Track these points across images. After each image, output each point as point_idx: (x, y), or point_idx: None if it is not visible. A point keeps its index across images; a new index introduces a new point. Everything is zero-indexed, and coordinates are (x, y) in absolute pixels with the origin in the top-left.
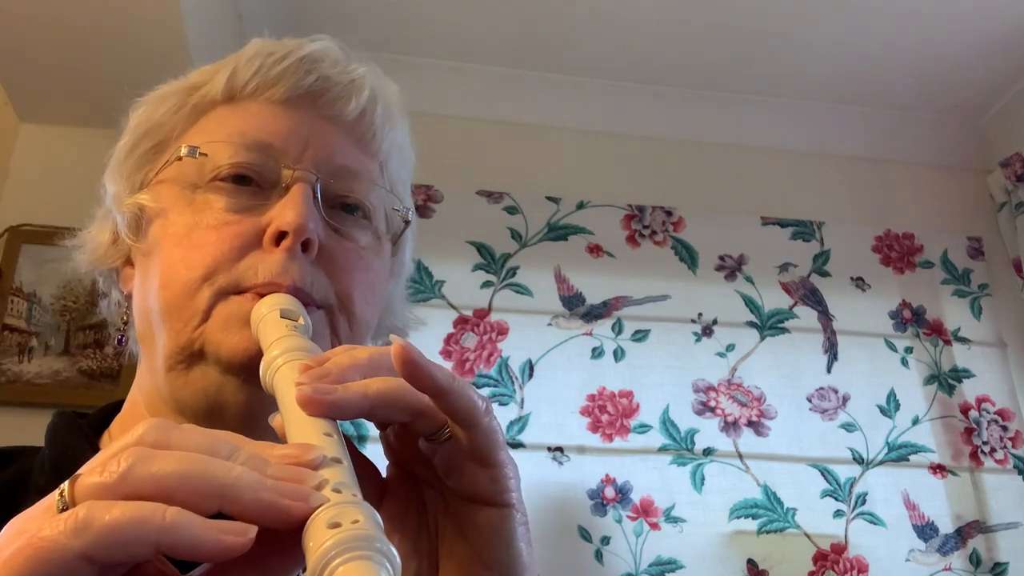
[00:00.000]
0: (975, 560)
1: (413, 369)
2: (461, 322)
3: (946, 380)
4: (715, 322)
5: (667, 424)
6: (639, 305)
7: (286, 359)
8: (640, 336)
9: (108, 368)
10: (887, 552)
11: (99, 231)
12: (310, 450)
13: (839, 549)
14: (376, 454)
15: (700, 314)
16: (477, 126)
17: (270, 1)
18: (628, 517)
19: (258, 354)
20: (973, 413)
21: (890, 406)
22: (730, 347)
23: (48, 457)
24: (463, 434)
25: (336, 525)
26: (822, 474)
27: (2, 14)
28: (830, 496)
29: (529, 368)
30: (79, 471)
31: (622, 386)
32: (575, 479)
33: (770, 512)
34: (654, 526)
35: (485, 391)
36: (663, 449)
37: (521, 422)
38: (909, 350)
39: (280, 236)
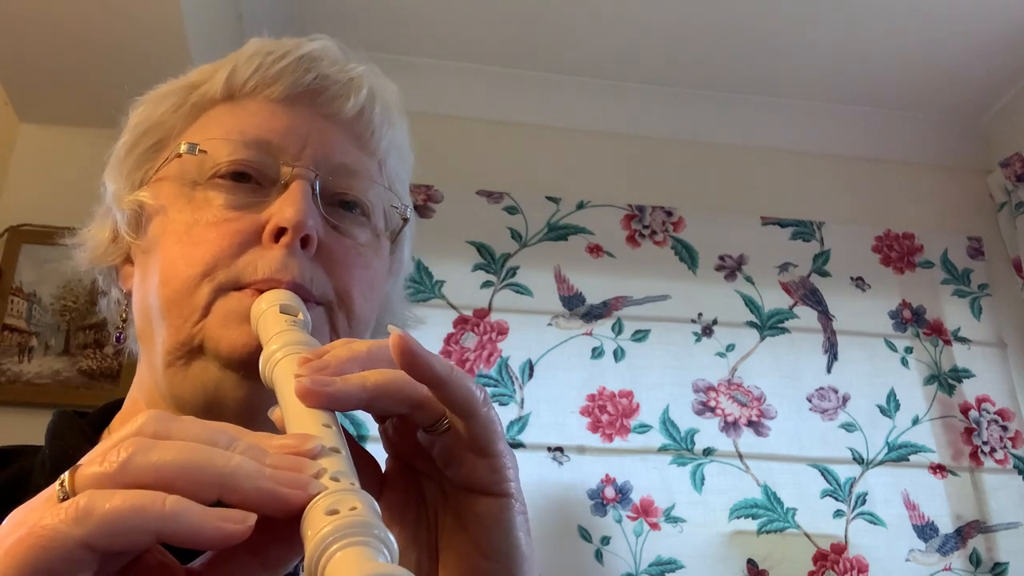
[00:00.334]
0: (975, 560)
1: (411, 359)
2: (461, 322)
3: (946, 380)
4: (715, 322)
5: (667, 424)
6: (639, 305)
7: (285, 353)
8: (640, 336)
9: (108, 368)
10: (887, 552)
11: (99, 229)
12: (308, 440)
13: (839, 549)
14: (376, 453)
15: (700, 314)
16: (477, 126)
17: (270, 1)
18: (628, 517)
19: (257, 350)
20: (973, 413)
21: (890, 406)
22: (730, 347)
23: (48, 456)
24: (461, 424)
25: (334, 512)
26: (822, 474)
27: (2, 14)
28: (830, 496)
29: (529, 368)
30: (79, 462)
31: (622, 386)
32: (575, 479)
33: (770, 512)
34: (654, 526)
35: (486, 389)
36: (663, 449)
37: (521, 422)
38: (909, 350)
39: (279, 232)
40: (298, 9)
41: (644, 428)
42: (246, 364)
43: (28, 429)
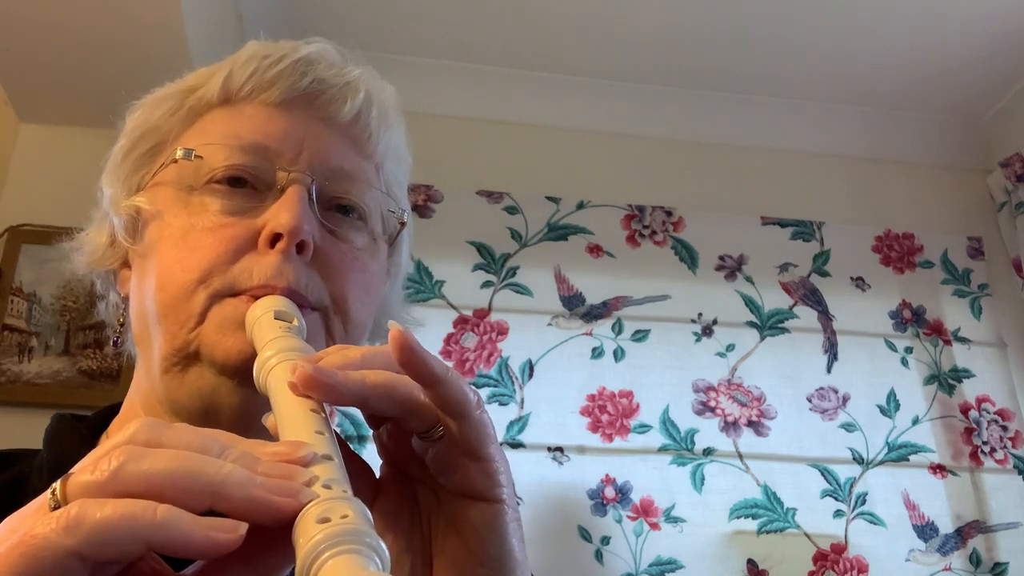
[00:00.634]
0: (975, 560)
1: (409, 354)
2: (461, 322)
3: (946, 380)
4: (715, 322)
5: (667, 424)
6: (639, 305)
7: (279, 359)
8: (640, 336)
9: (108, 368)
10: (887, 552)
11: (96, 233)
12: (301, 447)
13: (839, 549)
14: (372, 458)
15: (700, 314)
16: (477, 126)
17: (270, 1)
18: (628, 517)
19: (253, 356)
20: (973, 413)
21: (890, 406)
22: (730, 347)
23: (46, 460)
24: (454, 426)
25: (325, 520)
26: (822, 474)
27: (2, 14)
28: (830, 496)
29: (529, 368)
30: (71, 470)
31: (622, 386)
32: (575, 479)
33: (770, 512)
34: (654, 526)
35: (485, 391)
36: (663, 449)
37: (521, 422)
38: (909, 350)
39: (275, 238)
40: (298, 9)
41: (644, 428)
42: (241, 371)
43: (28, 429)
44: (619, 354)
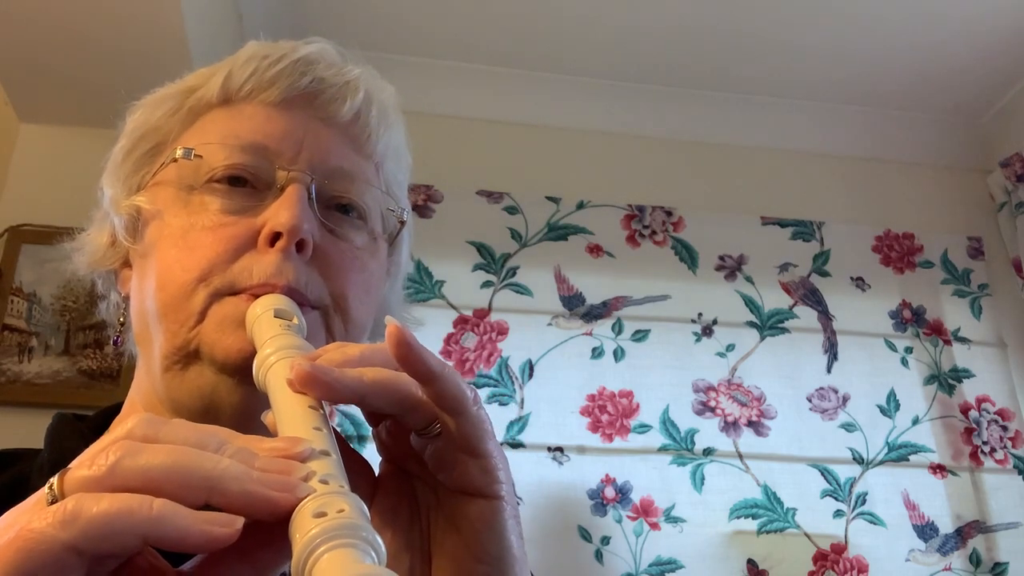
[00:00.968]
0: (975, 560)
1: (406, 351)
2: (461, 322)
3: (946, 380)
4: (715, 322)
5: (667, 424)
6: (639, 305)
7: (279, 357)
8: (640, 336)
9: (108, 368)
10: (887, 552)
11: (97, 233)
12: (298, 443)
13: (839, 549)
14: (371, 455)
15: (700, 314)
16: (477, 126)
17: (270, 1)
18: (628, 517)
19: (253, 355)
20: (973, 413)
21: (890, 406)
22: (730, 347)
23: (47, 459)
24: (451, 422)
25: (322, 515)
26: (822, 474)
27: (2, 15)
28: (830, 496)
29: (529, 368)
30: (69, 465)
31: (622, 386)
32: (575, 479)
33: (770, 512)
34: (654, 526)
35: (485, 391)
36: (663, 449)
37: (521, 422)
38: (909, 350)
39: (275, 237)
40: (298, 9)
41: (644, 428)
42: (241, 369)
43: (28, 429)
44: (619, 354)
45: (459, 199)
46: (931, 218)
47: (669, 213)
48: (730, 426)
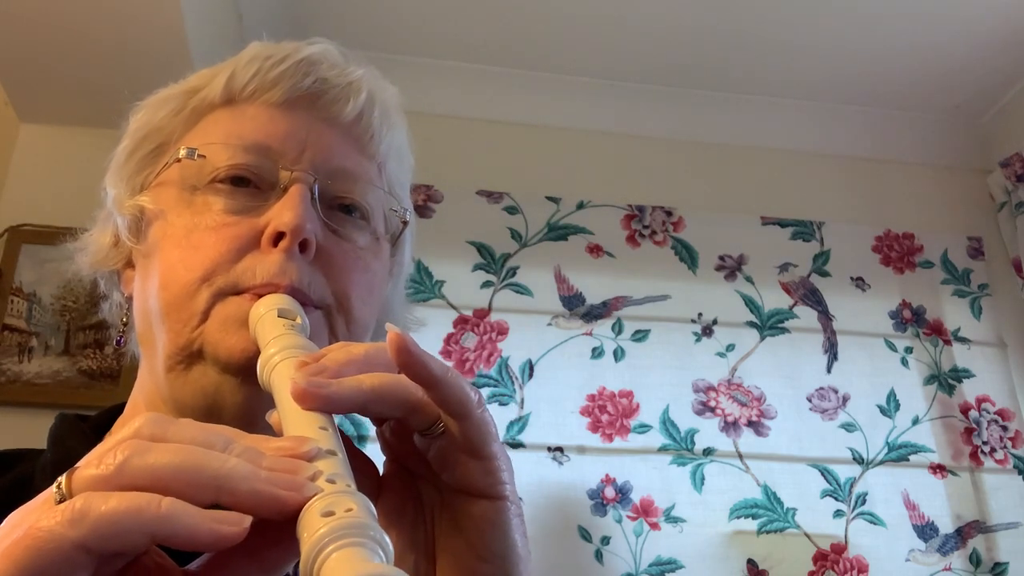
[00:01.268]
0: (975, 560)
1: (407, 358)
2: (461, 322)
3: (946, 380)
4: (715, 322)
5: (667, 424)
6: (639, 305)
7: (283, 356)
8: (640, 336)
9: (108, 368)
10: (887, 552)
11: (100, 233)
12: (305, 442)
13: (839, 549)
14: (375, 454)
15: (700, 314)
16: (477, 126)
17: (270, 1)
18: (628, 517)
19: (256, 354)
20: (973, 413)
21: (890, 406)
22: (730, 347)
23: (50, 460)
24: (455, 425)
25: (330, 514)
26: (822, 474)
27: (2, 14)
28: (830, 496)
29: (529, 368)
30: (77, 464)
31: (622, 386)
32: (575, 479)
33: (770, 512)
34: (654, 526)
35: (485, 391)
36: (663, 449)
37: (521, 422)
38: (909, 350)
39: (278, 237)
40: (298, 9)
41: (644, 428)
42: (245, 369)
43: (28, 429)
44: (619, 354)
45: (459, 199)
46: (931, 218)
47: (669, 213)
48: (730, 426)
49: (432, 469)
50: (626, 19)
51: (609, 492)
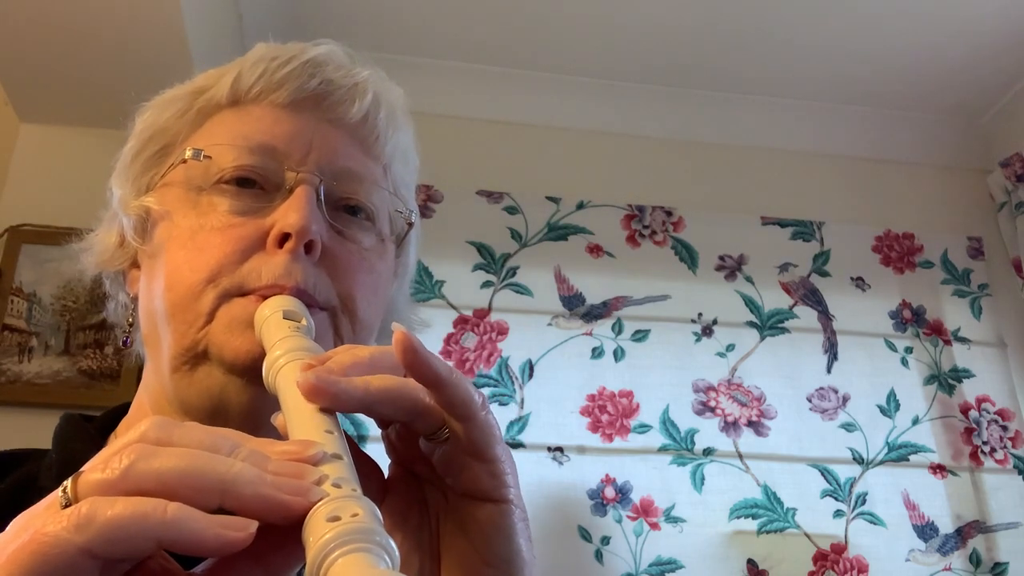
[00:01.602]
0: (975, 560)
1: (413, 357)
2: (461, 322)
3: (946, 380)
4: (715, 322)
5: (667, 424)
6: (639, 305)
7: (288, 359)
8: (640, 336)
9: (108, 368)
10: (887, 552)
11: (106, 234)
12: (310, 446)
13: (839, 549)
14: (378, 454)
15: (700, 314)
16: (477, 126)
17: (270, 1)
18: (628, 517)
19: (261, 356)
20: (973, 413)
21: (890, 406)
22: (730, 347)
23: (55, 460)
24: (460, 427)
25: (335, 519)
26: (822, 474)
27: (2, 14)
28: (830, 496)
29: (529, 368)
30: (82, 468)
31: (622, 386)
32: (575, 479)
33: (770, 512)
34: (654, 526)
35: (485, 391)
36: (663, 449)
37: (521, 422)
38: (909, 350)
39: (283, 238)
40: (298, 9)
41: (644, 428)
42: (250, 370)
43: (28, 429)
44: (619, 354)
45: (459, 199)
46: (931, 218)
47: (669, 213)
48: (730, 426)
49: (437, 473)
50: (626, 19)
51: (609, 492)
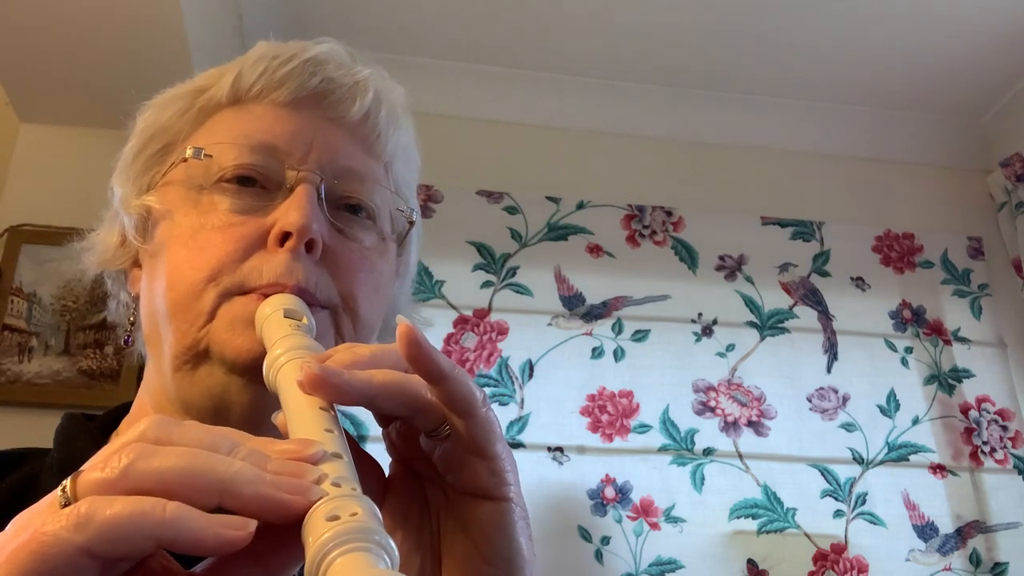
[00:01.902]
0: (975, 560)
1: (416, 350)
2: (461, 322)
3: (946, 380)
4: (715, 322)
5: (667, 424)
6: (639, 305)
7: (289, 357)
8: (640, 336)
9: (108, 368)
10: (887, 552)
11: (107, 233)
12: (310, 445)
13: (839, 549)
14: (378, 453)
15: (700, 314)
16: (477, 126)
17: (270, 1)
18: (628, 517)
19: (262, 354)
20: (973, 413)
21: (890, 406)
22: (730, 347)
23: (56, 459)
24: (460, 424)
25: (335, 518)
26: (822, 474)
27: (2, 15)
28: (830, 496)
29: (529, 368)
30: (82, 467)
31: (622, 386)
32: (575, 479)
33: (770, 512)
34: (654, 526)
35: (485, 391)
36: (663, 449)
37: (521, 422)
38: (909, 350)
39: (284, 237)
40: (298, 9)
41: (644, 428)
42: (251, 369)
43: (28, 429)
44: (619, 354)
45: (459, 199)
46: (931, 218)
47: (669, 213)
48: (730, 426)
49: (438, 471)
50: (626, 19)
51: (609, 492)
